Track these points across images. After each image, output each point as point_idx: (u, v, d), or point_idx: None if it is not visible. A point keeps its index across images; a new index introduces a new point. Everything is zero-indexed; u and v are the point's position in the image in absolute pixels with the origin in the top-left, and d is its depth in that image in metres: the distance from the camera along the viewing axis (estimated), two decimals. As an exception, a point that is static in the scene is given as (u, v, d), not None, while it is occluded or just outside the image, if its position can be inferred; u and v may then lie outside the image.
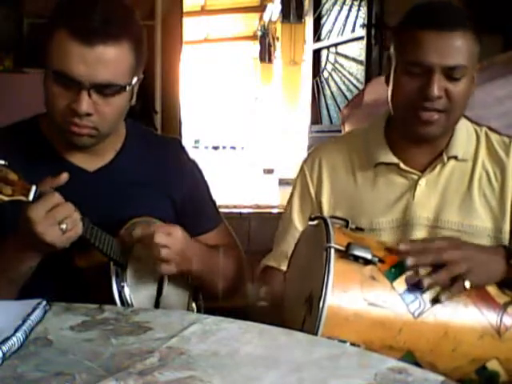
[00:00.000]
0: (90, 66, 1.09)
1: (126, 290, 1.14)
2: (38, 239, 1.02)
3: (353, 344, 0.91)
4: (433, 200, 1.26)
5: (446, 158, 1.27)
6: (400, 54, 1.21)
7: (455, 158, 1.27)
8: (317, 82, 5.23)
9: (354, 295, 0.95)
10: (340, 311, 0.94)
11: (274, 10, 8.26)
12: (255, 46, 10.24)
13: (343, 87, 4.87)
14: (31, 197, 1.01)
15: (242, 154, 14.81)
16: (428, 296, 0.97)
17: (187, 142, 11.36)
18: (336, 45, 4.96)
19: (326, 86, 5.12)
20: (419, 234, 1.24)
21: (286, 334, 0.89)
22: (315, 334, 0.92)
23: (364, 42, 4.46)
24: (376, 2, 4.38)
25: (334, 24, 4.96)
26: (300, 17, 6.85)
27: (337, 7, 4.91)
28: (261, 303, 1.27)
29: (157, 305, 1.21)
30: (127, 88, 1.15)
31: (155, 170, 1.31)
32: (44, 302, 0.94)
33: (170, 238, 1.16)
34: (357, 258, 0.96)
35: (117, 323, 0.91)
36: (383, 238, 1.24)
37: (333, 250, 0.96)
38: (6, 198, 0.99)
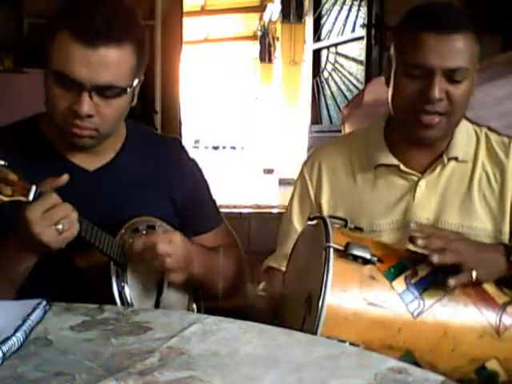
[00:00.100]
0: (92, 67, 1.08)
1: (126, 290, 1.14)
2: (34, 239, 1.02)
3: (352, 344, 0.91)
4: (433, 201, 1.26)
5: (446, 160, 1.26)
6: (400, 55, 1.21)
7: (455, 159, 1.27)
8: (317, 81, 5.23)
9: (353, 295, 0.95)
10: (339, 311, 0.94)
11: (273, 10, 8.25)
12: (255, 46, 10.23)
13: (343, 87, 4.87)
14: (31, 197, 1.01)
15: (241, 154, 14.78)
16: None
17: (187, 141, 11.33)
18: (336, 45, 4.96)
19: (326, 86, 5.12)
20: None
21: (286, 333, 0.89)
22: (315, 333, 0.92)
23: (364, 42, 4.46)
24: (376, 2, 4.38)
25: (333, 24, 4.96)
26: (300, 17, 6.85)
27: (337, 7, 4.90)
28: (260, 303, 1.27)
29: (157, 305, 1.21)
30: (128, 90, 1.15)
31: (155, 169, 1.31)
32: (44, 302, 0.94)
33: (172, 246, 1.16)
34: (356, 258, 0.97)
35: (117, 323, 0.91)
36: (383, 239, 1.23)
37: (332, 250, 0.96)
38: (5, 199, 0.99)
